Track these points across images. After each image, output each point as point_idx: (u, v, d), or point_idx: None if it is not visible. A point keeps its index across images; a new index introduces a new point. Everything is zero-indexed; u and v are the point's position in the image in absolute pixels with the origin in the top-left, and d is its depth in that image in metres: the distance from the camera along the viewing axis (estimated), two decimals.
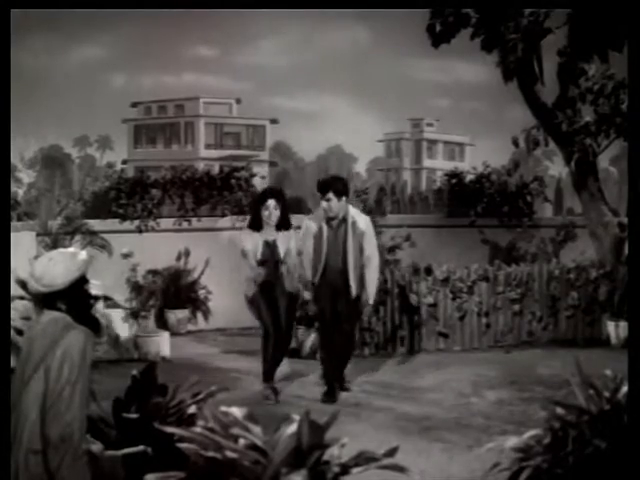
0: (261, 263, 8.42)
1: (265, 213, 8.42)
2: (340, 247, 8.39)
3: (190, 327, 12.71)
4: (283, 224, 8.51)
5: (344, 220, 8.42)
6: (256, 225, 8.51)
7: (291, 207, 8.73)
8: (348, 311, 8.52)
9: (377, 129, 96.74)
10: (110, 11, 72.96)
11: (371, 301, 8.58)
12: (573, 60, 11.78)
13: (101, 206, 13.92)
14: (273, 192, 8.71)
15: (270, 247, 8.45)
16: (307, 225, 8.55)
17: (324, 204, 8.36)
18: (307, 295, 8.61)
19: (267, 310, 8.43)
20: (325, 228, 8.44)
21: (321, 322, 8.81)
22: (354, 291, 8.41)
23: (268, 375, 8.51)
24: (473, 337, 11.21)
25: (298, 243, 8.53)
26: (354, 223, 8.41)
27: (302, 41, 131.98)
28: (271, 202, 8.43)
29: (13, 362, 4.40)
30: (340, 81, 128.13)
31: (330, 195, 8.32)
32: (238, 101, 75.10)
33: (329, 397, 8.39)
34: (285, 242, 8.47)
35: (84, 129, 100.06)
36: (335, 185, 8.41)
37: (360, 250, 8.40)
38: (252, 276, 8.44)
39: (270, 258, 8.44)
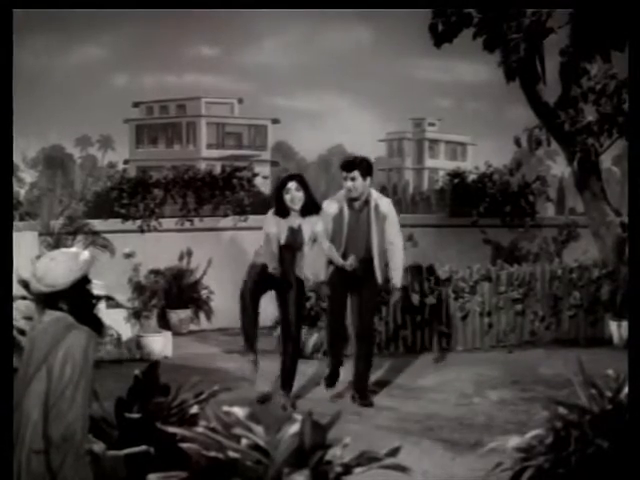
0: (284, 248, 7.98)
1: (287, 197, 7.95)
2: (362, 232, 8.14)
3: (192, 327, 12.71)
4: (310, 209, 8.04)
5: (366, 203, 8.14)
6: (281, 211, 8.02)
7: None
8: (369, 301, 8.34)
9: (379, 129, 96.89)
10: (112, 11, 73.07)
11: (398, 285, 8.37)
12: (575, 60, 11.77)
13: (103, 206, 13.92)
14: (293, 176, 8.27)
15: (294, 233, 7.99)
16: (326, 206, 8.24)
17: (349, 184, 8.06)
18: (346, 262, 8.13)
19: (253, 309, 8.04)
20: (346, 210, 8.14)
21: (332, 311, 8.48)
22: (380, 279, 8.20)
23: (286, 385, 8.22)
24: (475, 337, 11.21)
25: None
26: (377, 206, 8.14)
27: (304, 41, 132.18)
28: (292, 184, 7.97)
29: (15, 362, 4.40)
30: (342, 81, 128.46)
31: (356, 174, 8.05)
32: (240, 101, 75.17)
33: (328, 381, 8.40)
34: (310, 226, 8.00)
35: (86, 129, 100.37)
36: (362, 164, 8.17)
37: (383, 234, 8.15)
38: (269, 265, 7.95)
39: (293, 244, 8.00)
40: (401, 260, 8.32)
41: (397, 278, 8.30)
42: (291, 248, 8.02)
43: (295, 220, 8.02)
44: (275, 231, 7.99)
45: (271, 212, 8.13)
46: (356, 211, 8.17)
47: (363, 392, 8.33)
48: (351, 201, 8.14)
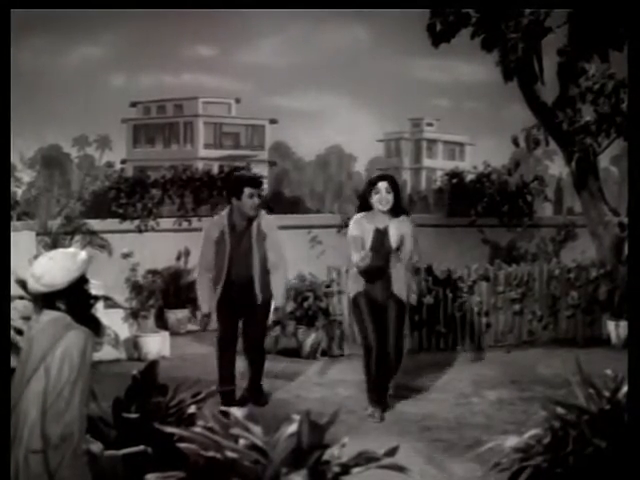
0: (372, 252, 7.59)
1: (376, 197, 7.64)
2: (244, 253, 7.78)
3: (190, 327, 12.68)
4: (397, 210, 7.74)
5: (250, 223, 7.82)
6: (365, 207, 7.78)
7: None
8: (253, 323, 7.92)
9: (377, 129, 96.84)
10: (109, 11, 73.01)
11: (279, 304, 8.04)
12: (573, 59, 11.78)
13: (101, 206, 13.90)
14: (385, 177, 7.85)
15: (381, 235, 7.69)
16: (207, 231, 7.96)
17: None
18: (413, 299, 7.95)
19: (370, 318, 7.65)
20: (228, 233, 7.79)
21: (221, 337, 8.00)
22: (259, 299, 7.81)
23: (376, 399, 7.75)
24: (474, 337, 11.20)
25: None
26: (259, 225, 7.83)
27: (301, 41, 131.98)
28: (382, 185, 7.65)
29: (13, 362, 4.40)
30: (340, 81, 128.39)
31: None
32: (237, 101, 75.12)
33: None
34: (398, 229, 7.70)
35: (83, 129, 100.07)
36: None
37: (264, 254, 7.80)
38: (359, 264, 7.55)
39: (380, 248, 7.66)
40: (282, 281, 7.95)
41: (277, 298, 7.95)
42: (378, 253, 7.64)
43: (381, 221, 7.72)
44: (358, 234, 7.70)
45: (356, 216, 7.87)
46: (238, 233, 7.81)
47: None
48: (233, 224, 7.82)
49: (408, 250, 7.75)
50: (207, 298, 7.91)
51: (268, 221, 7.96)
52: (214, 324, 8.09)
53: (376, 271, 7.65)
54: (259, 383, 8.11)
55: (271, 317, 8.46)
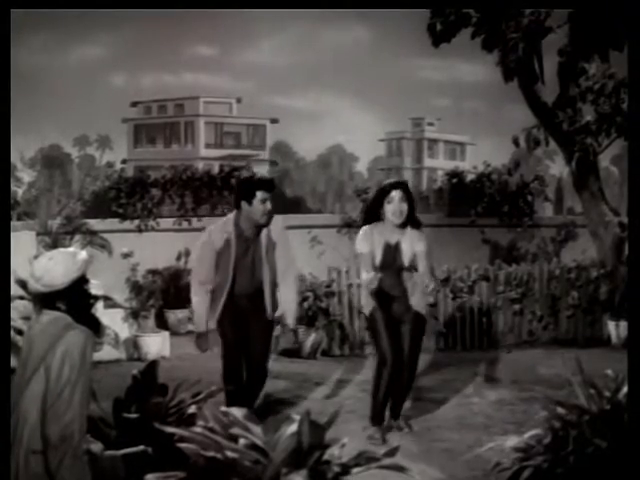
0: (380, 270, 6.83)
1: (389, 208, 6.83)
2: (251, 263, 6.95)
3: (190, 327, 12.67)
4: (410, 222, 6.96)
5: (258, 231, 6.93)
6: (373, 218, 6.96)
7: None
8: (259, 336, 7.11)
9: (378, 128, 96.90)
10: (110, 11, 73.07)
11: (291, 325, 7.31)
12: (574, 59, 11.77)
13: (101, 206, 13.93)
14: (398, 184, 7.01)
15: (392, 250, 6.92)
16: (208, 237, 7.00)
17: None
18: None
19: (386, 332, 6.85)
20: (234, 240, 6.90)
21: (227, 355, 7.17)
22: (269, 311, 7.01)
23: (378, 418, 7.02)
24: (474, 337, 11.20)
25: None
26: (268, 232, 6.94)
27: (303, 41, 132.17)
28: (396, 194, 6.82)
29: (13, 362, 4.40)
30: (341, 80, 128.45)
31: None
32: (238, 100, 75.12)
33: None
34: (411, 244, 6.94)
35: (84, 129, 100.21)
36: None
37: (274, 264, 6.97)
38: (368, 286, 6.83)
39: (391, 264, 6.91)
40: (293, 296, 7.14)
41: (290, 317, 7.16)
42: (389, 269, 6.94)
43: (392, 235, 6.95)
44: (367, 250, 6.88)
45: (364, 228, 7.02)
46: (245, 242, 6.94)
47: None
48: (240, 231, 6.92)
49: (422, 273, 6.94)
50: (205, 316, 6.99)
51: (279, 228, 7.05)
52: (211, 344, 7.53)
53: (388, 290, 6.92)
54: (254, 400, 7.24)
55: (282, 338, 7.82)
